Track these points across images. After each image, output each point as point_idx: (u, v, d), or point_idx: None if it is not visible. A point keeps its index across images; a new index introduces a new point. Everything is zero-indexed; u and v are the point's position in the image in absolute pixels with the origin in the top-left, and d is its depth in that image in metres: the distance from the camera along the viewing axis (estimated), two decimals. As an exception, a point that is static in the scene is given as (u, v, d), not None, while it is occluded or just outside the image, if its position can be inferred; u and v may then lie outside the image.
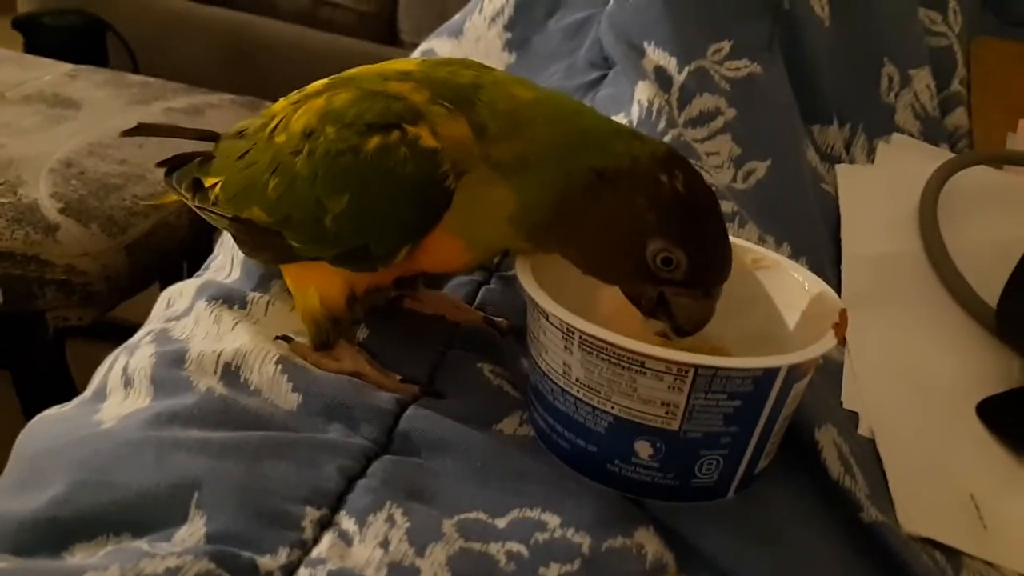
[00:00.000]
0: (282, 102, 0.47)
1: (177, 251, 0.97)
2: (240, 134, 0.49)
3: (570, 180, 0.40)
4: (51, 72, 1.20)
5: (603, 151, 0.40)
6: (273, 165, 0.44)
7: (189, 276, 1.11)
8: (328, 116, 0.43)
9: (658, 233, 0.39)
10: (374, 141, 0.41)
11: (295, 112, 0.45)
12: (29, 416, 1.12)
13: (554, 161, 0.40)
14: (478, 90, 0.42)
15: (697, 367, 0.36)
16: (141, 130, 0.57)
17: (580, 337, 0.38)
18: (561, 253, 0.42)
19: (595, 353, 0.38)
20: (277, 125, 0.45)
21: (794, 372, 0.38)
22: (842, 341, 0.40)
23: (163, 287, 1.13)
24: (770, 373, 0.37)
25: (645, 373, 0.37)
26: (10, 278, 0.85)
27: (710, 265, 0.40)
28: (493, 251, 0.46)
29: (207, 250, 1.10)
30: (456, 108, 0.41)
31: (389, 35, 1.93)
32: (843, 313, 0.42)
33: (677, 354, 0.36)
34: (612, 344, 0.37)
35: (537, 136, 0.41)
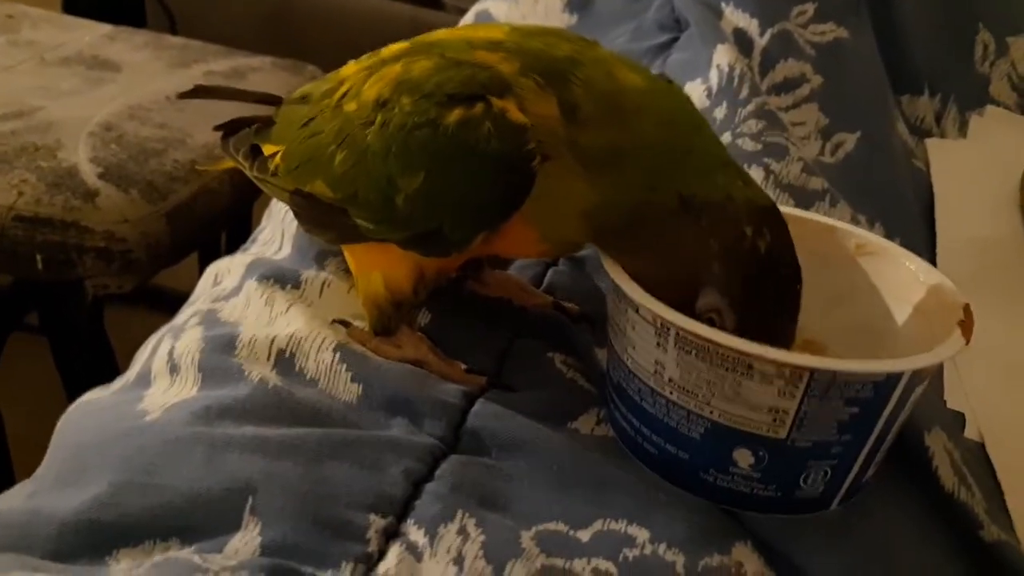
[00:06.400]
0: (352, 66, 0.43)
1: (218, 220, 0.94)
2: (304, 99, 0.45)
3: (652, 195, 0.36)
4: (90, 33, 1.16)
5: (701, 178, 0.36)
6: (340, 136, 0.40)
7: (227, 248, 1.08)
8: (405, 85, 0.38)
9: (716, 285, 0.35)
10: (455, 114, 0.36)
11: (367, 79, 0.40)
12: (67, 383, 1.09)
13: (647, 168, 0.36)
14: (575, 66, 0.37)
15: (813, 370, 0.32)
16: (198, 93, 0.54)
17: (677, 333, 0.34)
18: (619, 261, 0.37)
19: (694, 352, 0.33)
20: (347, 92, 0.41)
21: (916, 376, 0.34)
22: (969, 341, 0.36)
23: (201, 257, 1.10)
24: (892, 378, 0.33)
25: (752, 376, 0.33)
26: (49, 245, 0.82)
27: (759, 337, 0.34)
28: (568, 244, 0.41)
29: (247, 220, 1.07)
30: (547, 83, 0.37)
31: (432, -3, 1.87)
32: (967, 309, 0.37)
33: (792, 356, 0.32)
34: (715, 342, 0.33)
35: (643, 131, 0.36)
